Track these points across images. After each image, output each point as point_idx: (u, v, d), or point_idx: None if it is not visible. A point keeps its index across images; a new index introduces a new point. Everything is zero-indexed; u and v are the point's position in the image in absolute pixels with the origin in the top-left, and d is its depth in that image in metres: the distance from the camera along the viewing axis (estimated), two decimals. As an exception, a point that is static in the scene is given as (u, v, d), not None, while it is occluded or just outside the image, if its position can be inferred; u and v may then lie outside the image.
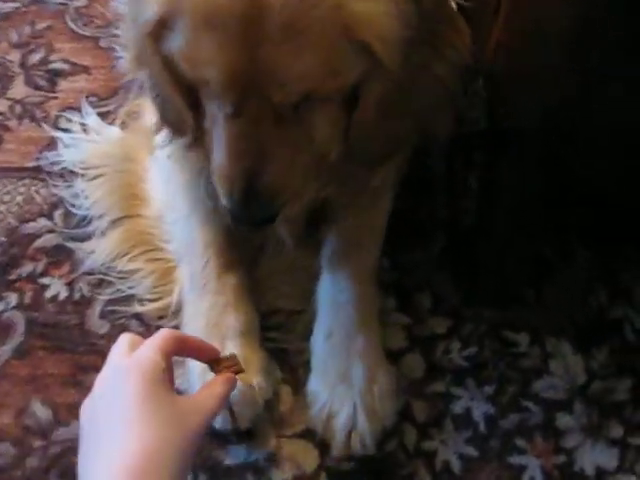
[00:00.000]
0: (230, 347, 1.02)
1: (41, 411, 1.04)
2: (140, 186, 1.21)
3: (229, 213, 0.95)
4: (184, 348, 0.88)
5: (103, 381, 0.82)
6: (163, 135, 1.07)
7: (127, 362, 0.81)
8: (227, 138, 0.89)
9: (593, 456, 1.02)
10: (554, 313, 1.14)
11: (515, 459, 1.02)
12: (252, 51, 0.79)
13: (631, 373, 1.09)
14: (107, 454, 0.74)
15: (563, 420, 1.05)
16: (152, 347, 0.82)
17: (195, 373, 1.01)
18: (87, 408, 0.82)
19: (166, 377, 0.81)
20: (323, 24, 0.79)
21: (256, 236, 1.15)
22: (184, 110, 0.96)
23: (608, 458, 1.02)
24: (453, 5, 1.01)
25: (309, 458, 1.00)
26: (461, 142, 1.24)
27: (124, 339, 0.86)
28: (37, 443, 1.01)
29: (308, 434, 1.01)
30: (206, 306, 1.06)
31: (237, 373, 0.99)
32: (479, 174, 1.24)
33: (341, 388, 0.99)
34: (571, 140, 0.97)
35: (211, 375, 0.99)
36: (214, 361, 0.99)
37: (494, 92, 0.94)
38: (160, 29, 0.86)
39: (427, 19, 0.88)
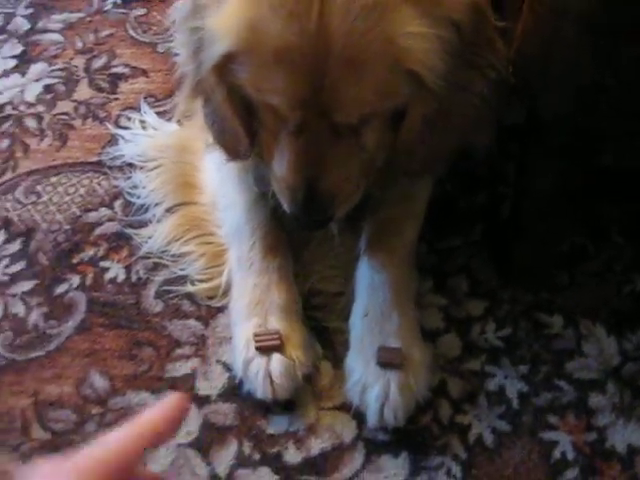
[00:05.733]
0: (272, 322, 1.08)
1: (99, 382, 1.12)
2: (195, 175, 1.29)
3: (292, 217, 1.05)
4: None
5: None
6: (218, 155, 1.17)
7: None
8: (290, 152, 0.99)
9: (625, 435, 1.04)
10: (588, 297, 1.17)
11: (547, 435, 1.05)
12: (317, 81, 0.90)
13: (665, 356, 1.11)
14: None
15: (595, 399, 1.07)
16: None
17: (239, 348, 1.08)
18: None
19: None
20: (377, 57, 0.89)
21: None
22: (241, 134, 1.06)
23: (640, 437, 1.04)
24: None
25: (347, 429, 1.05)
26: (501, 133, 1.27)
27: None
28: (95, 410, 1.09)
29: (346, 407, 1.06)
30: (251, 285, 1.12)
31: (276, 348, 1.05)
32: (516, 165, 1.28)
33: (376, 364, 1.04)
34: (601, 125, 1.00)
35: (252, 349, 1.06)
36: (256, 335, 1.06)
37: (524, 78, 0.98)
38: (227, 63, 0.95)
39: (468, 44, 0.96)
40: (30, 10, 1.75)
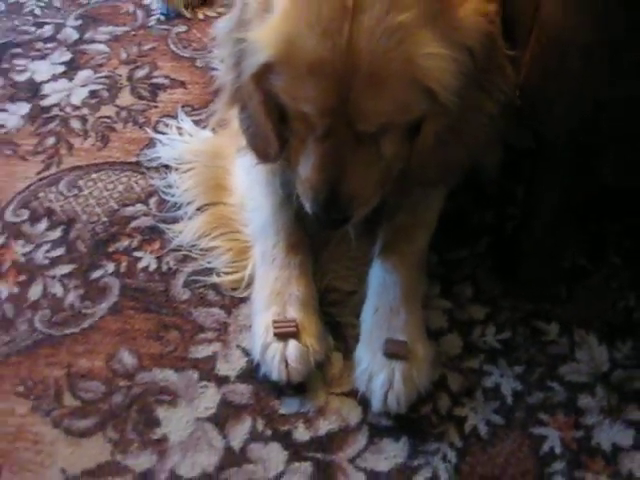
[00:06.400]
0: (290, 312, 1.18)
1: (127, 358, 1.21)
2: (226, 178, 1.40)
3: (314, 216, 1.16)
4: None
5: None
6: (249, 158, 1.27)
7: None
8: (315, 156, 1.10)
9: (610, 434, 1.12)
10: (584, 309, 1.26)
11: (537, 430, 1.13)
12: (344, 93, 1.02)
13: (652, 366, 1.20)
14: None
15: (584, 401, 1.16)
16: None
17: (258, 334, 1.17)
18: None
19: None
20: (398, 74, 1.01)
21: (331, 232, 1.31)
22: (272, 138, 1.17)
23: (624, 437, 1.12)
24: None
25: (353, 413, 1.14)
26: (510, 156, 1.37)
27: None
28: (122, 383, 1.19)
29: (353, 393, 1.15)
30: (273, 278, 1.22)
31: (293, 335, 1.15)
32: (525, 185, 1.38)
33: (382, 354, 1.13)
34: (601, 150, 1.10)
35: (271, 335, 1.16)
36: (274, 322, 1.16)
37: (531, 103, 1.08)
38: (265, 72, 1.07)
39: (480, 69, 1.07)
40: (79, 22, 1.89)
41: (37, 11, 1.93)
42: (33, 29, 1.87)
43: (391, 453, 1.10)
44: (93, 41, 1.83)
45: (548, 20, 0.97)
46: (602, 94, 0.98)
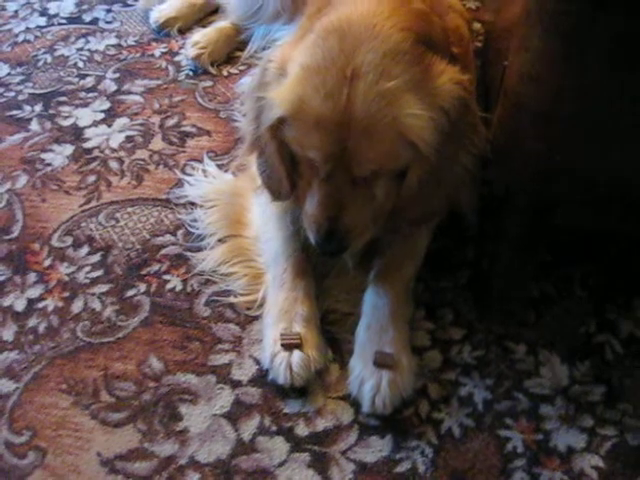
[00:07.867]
0: (295, 327, 1.38)
1: (156, 364, 1.42)
2: (244, 214, 1.61)
3: (316, 245, 1.37)
4: None
5: None
6: (265, 196, 1.49)
7: None
8: (318, 195, 1.33)
9: (566, 438, 1.31)
10: (549, 333, 1.45)
11: (503, 432, 1.32)
12: (343, 143, 1.25)
13: (606, 383, 1.38)
14: None
15: (545, 409, 1.35)
16: None
17: (268, 345, 1.38)
18: None
19: None
20: (386, 129, 1.24)
21: (332, 262, 1.52)
22: (284, 179, 1.39)
23: (578, 440, 1.30)
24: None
25: (346, 414, 1.34)
26: (486, 203, 1.58)
27: None
28: (151, 384, 1.39)
29: (347, 397, 1.35)
30: (282, 299, 1.43)
31: (297, 346, 1.35)
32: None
33: (372, 364, 1.33)
34: (556, 197, 1.31)
35: (278, 345, 1.36)
36: (282, 335, 1.36)
37: (497, 159, 1.30)
38: (279, 124, 1.30)
39: (455, 125, 1.29)
40: (117, 75, 2.14)
41: (80, 64, 2.18)
42: (76, 80, 2.12)
43: (377, 448, 1.29)
44: (129, 92, 2.07)
45: (509, 89, 1.19)
46: (555, 157, 1.19)
